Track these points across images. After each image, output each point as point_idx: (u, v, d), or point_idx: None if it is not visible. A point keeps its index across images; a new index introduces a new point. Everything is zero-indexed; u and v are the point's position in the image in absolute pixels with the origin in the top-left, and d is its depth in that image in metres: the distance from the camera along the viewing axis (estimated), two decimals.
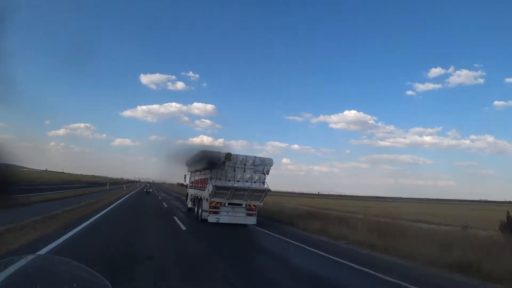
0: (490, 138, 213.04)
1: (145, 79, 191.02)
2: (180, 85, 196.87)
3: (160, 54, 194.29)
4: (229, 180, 12.87)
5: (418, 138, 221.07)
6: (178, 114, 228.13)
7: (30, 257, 1.67)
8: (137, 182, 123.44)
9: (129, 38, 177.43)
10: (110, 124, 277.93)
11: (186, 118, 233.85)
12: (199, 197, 14.71)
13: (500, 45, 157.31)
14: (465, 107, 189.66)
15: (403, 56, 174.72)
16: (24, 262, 1.58)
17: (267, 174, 13.46)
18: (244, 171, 13.08)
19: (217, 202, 12.78)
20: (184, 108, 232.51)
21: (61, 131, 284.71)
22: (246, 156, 13.19)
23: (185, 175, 20.08)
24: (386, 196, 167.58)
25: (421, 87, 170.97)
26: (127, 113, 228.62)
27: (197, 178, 15.83)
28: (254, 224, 13.29)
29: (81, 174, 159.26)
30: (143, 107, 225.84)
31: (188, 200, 18.65)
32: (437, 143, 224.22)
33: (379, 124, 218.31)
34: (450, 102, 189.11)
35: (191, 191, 17.97)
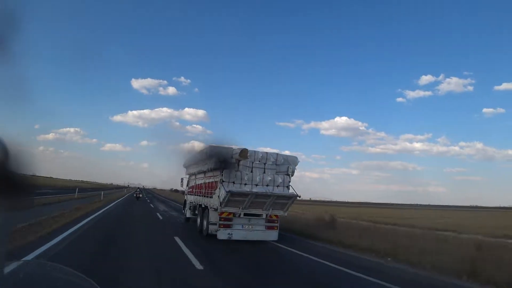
0: (479, 145, 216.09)
1: (136, 84, 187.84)
2: (171, 90, 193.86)
3: (152, 58, 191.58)
4: (245, 184, 9.96)
5: (408, 144, 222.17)
6: (169, 119, 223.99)
7: (21, 262, 1.65)
8: (125, 188, 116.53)
9: (120, 42, 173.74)
10: (100, 129, 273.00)
11: (177, 123, 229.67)
12: (202, 206, 11.73)
13: (489, 53, 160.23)
14: (455, 114, 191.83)
15: (394, 64, 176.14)
16: (14, 268, 1.51)
17: (292, 175, 10.62)
18: (264, 172, 10.20)
19: (230, 213, 9.85)
20: (176, 113, 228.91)
21: (50, 136, 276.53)
22: (266, 153, 10.33)
23: (181, 179, 16.99)
24: (379, 202, 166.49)
25: (411, 94, 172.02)
26: (118, 118, 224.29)
27: (200, 182, 12.83)
28: (275, 240, 10.38)
29: (70, 179, 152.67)
30: (134, 112, 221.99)
31: (187, 208, 15.59)
32: (427, 149, 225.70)
33: (370, 130, 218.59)
34: (440, 109, 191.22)
35: (190, 198, 14.93)
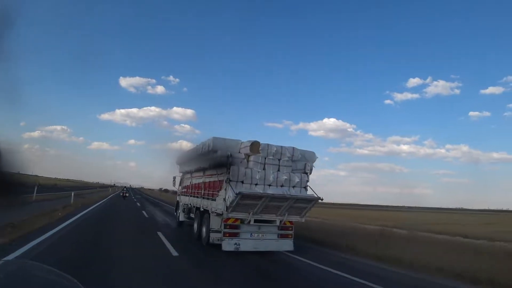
0: (465, 148, 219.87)
1: (124, 82, 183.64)
2: (160, 89, 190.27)
3: (141, 57, 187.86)
4: (256, 184, 8.25)
5: (395, 146, 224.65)
6: (157, 119, 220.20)
7: (1, 262, 1.64)
8: (111, 187, 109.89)
9: (109, 40, 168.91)
10: (87, 127, 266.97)
11: (166, 122, 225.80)
12: (201, 209, 9.96)
13: (476, 57, 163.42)
14: (442, 117, 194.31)
15: (383, 66, 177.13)
16: None
17: (310, 173, 8.97)
18: (278, 170, 8.52)
19: (237, 219, 8.13)
20: (164, 112, 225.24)
21: (36, 133, 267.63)
22: (281, 147, 8.64)
23: (174, 178, 15.08)
24: (366, 204, 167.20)
25: (399, 96, 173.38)
26: (105, 116, 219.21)
27: (197, 181, 11.05)
28: (290, 251, 8.71)
29: (56, 178, 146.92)
30: (122, 110, 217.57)
31: (179, 211, 13.77)
32: (414, 151, 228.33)
33: (358, 132, 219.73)
34: (427, 111, 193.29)
35: (184, 199, 13.10)
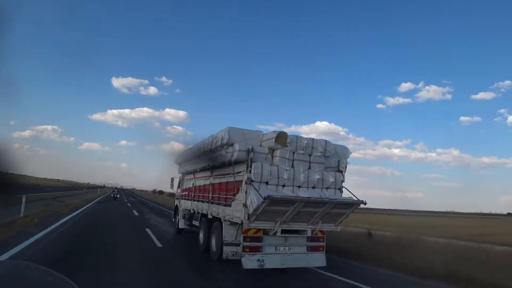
0: (455, 152, 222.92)
1: (117, 82, 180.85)
2: (152, 90, 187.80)
3: (134, 58, 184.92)
4: (283, 186, 6.63)
5: (387, 150, 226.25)
6: (149, 120, 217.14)
7: None
8: (100, 188, 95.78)
9: (102, 40, 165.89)
10: (78, 127, 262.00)
11: (158, 123, 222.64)
12: (209, 216, 8.28)
13: (468, 63, 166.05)
14: (433, 121, 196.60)
15: (375, 70, 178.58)
16: None
17: (344, 172, 7.39)
18: (309, 168, 6.92)
19: (260, 230, 6.48)
20: (156, 113, 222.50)
21: (26, 133, 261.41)
22: (312, 139, 7.05)
23: (172, 179, 13.29)
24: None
25: (391, 100, 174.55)
26: (97, 116, 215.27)
27: (203, 182, 9.36)
28: (323, 267, 7.10)
29: (45, 178, 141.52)
30: (114, 111, 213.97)
31: (179, 216, 12.00)
32: (405, 155, 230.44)
33: (350, 135, 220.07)
34: (419, 116, 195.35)
35: (185, 204, 11.36)
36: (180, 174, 12.48)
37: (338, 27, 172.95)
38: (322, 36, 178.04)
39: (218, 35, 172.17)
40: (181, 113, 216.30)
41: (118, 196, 37.62)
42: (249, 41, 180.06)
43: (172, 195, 16.04)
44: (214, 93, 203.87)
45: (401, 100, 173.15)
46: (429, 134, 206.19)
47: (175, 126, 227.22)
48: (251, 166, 6.35)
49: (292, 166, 6.75)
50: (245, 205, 6.29)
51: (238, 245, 6.83)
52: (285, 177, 6.57)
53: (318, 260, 7.08)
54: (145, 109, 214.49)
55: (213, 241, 7.81)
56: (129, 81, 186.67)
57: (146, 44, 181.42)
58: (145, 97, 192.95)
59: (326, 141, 7.17)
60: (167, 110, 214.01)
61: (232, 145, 6.70)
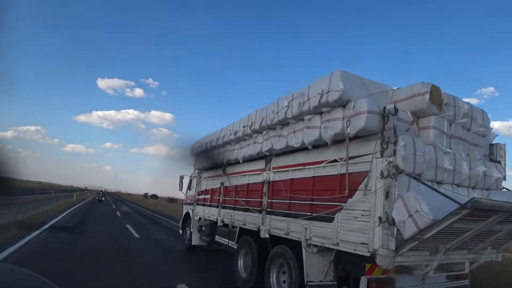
0: None
1: (102, 83, 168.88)
2: (138, 92, 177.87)
3: (120, 58, 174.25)
4: (438, 183, 3.60)
5: None
6: (135, 122, 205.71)
7: None
8: (80, 190, 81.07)
9: (88, 40, 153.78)
10: (62, 128, 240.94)
11: (143, 126, 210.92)
12: (264, 234, 5.02)
13: (452, 70, 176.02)
14: None
15: (368, 75, 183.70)
16: None
17: (505, 163, 4.54)
18: (468, 151, 3.99)
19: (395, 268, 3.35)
20: (142, 115, 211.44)
21: (8, 133, 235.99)
22: (471, 106, 4.13)
23: (181, 178, 9.55)
24: None
25: None
26: (82, 118, 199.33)
27: (246, 180, 6.01)
28: None
29: (27, 180, 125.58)
30: (99, 112, 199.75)
31: (192, 228, 8.41)
32: None
33: None
34: None
35: (204, 211, 7.85)
36: (196, 171, 8.91)
37: (332, 28, 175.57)
38: (318, 39, 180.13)
39: (207, 38, 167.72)
40: (167, 116, 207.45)
41: (103, 199, 38.59)
42: (238, 42, 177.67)
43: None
44: (201, 96, 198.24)
45: None
46: None
47: (161, 128, 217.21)
48: (395, 143, 3.24)
49: (450, 147, 3.78)
50: (387, 221, 3.14)
51: None
52: (447, 166, 3.55)
53: None
54: (130, 111, 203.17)
55: (273, 278, 4.60)
56: (115, 82, 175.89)
57: (133, 45, 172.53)
58: (131, 99, 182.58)
59: (483, 111, 4.28)
60: (153, 112, 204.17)
61: (348, 101, 3.57)
